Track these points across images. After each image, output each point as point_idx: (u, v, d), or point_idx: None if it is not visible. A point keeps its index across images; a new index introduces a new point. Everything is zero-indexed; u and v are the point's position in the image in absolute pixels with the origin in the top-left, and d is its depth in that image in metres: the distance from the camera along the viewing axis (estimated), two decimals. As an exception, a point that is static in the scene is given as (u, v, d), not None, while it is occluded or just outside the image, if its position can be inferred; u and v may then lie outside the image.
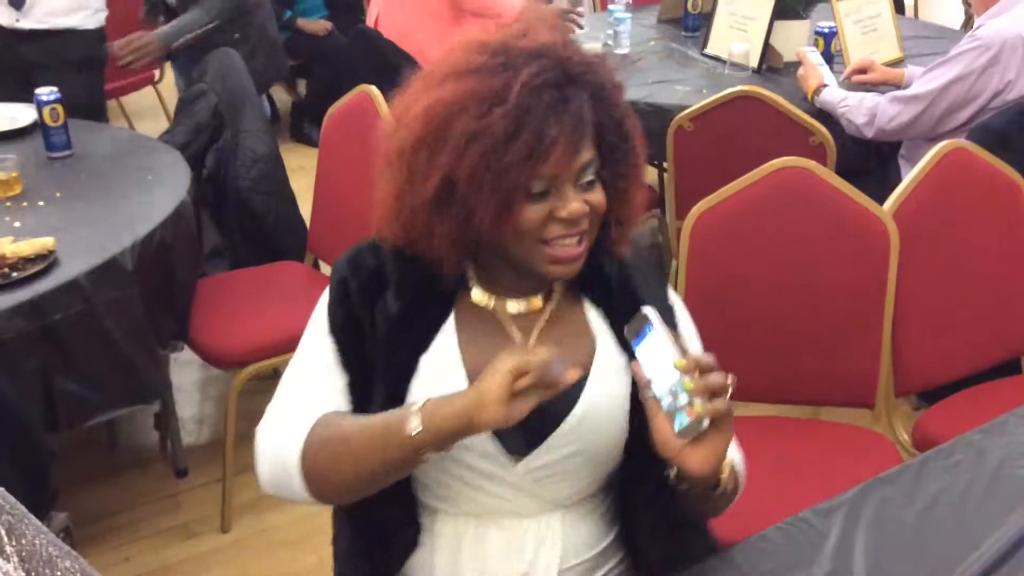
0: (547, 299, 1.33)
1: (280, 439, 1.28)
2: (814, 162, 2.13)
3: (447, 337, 1.30)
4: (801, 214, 2.10)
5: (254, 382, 2.60)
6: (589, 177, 1.22)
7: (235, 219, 2.96)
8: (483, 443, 1.26)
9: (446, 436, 1.16)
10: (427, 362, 1.28)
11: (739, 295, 2.11)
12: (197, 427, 3.02)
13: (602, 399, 1.28)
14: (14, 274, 2.11)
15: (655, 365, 1.15)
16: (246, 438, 2.72)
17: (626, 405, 1.29)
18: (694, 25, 3.70)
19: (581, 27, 3.58)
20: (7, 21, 3.35)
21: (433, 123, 1.19)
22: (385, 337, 1.28)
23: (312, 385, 1.30)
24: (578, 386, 1.25)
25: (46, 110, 2.74)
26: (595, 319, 1.33)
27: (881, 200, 2.12)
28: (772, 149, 2.26)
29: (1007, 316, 2.24)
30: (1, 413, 2.00)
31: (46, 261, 2.16)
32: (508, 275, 1.30)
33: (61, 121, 2.76)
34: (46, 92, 2.74)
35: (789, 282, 2.11)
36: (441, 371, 1.28)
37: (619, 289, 1.33)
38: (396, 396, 1.27)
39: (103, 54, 3.50)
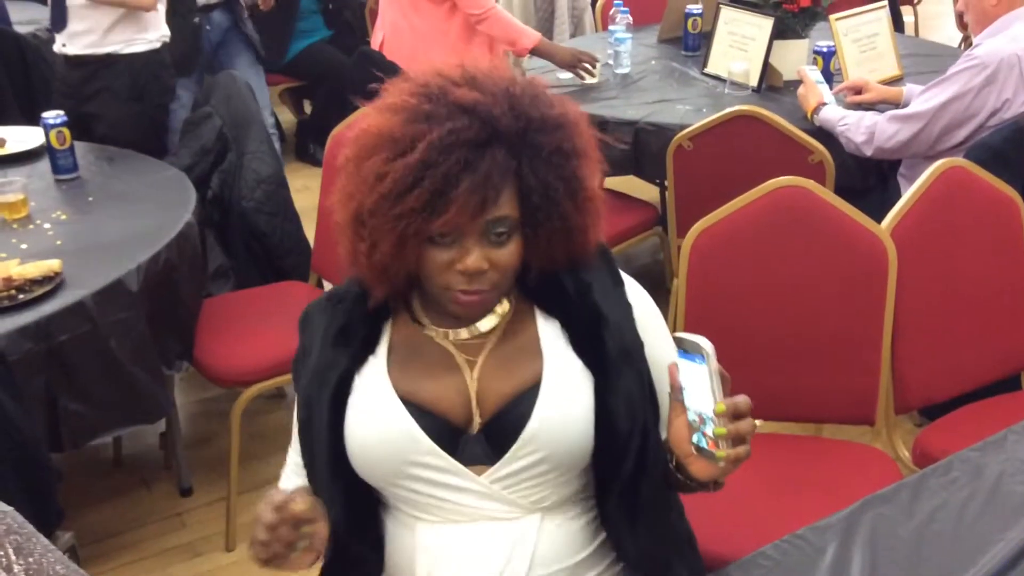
0: (499, 322, 1.33)
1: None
2: (813, 182, 2.15)
3: (379, 361, 1.32)
4: (800, 233, 2.11)
5: (259, 401, 2.62)
6: (500, 231, 1.22)
7: (240, 239, 2.98)
8: (439, 460, 1.28)
9: None
10: (360, 383, 1.32)
11: (739, 312, 2.13)
12: (202, 446, 3.04)
13: (556, 411, 1.29)
14: (20, 296, 2.14)
15: (694, 385, 1.19)
16: (251, 457, 2.77)
17: (589, 416, 1.29)
18: (694, 45, 3.72)
19: (592, 75, 3.45)
20: (57, 47, 3.37)
21: (358, 148, 1.24)
22: (321, 358, 1.33)
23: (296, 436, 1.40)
24: (530, 400, 1.28)
25: (52, 133, 2.78)
26: (547, 333, 1.33)
27: (881, 219, 2.14)
28: (771, 168, 2.28)
29: (1006, 333, 2.25)
30: (7, 433, 2.02)
31: (52, 283, 2.18)
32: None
33: (68, 144, 2.80)
34: (52, 115, 2.78)
35: (788, 300, 2.12)
36: (373, 392, 1.31)
37: (577, 299, 1.33)
38: (334, 421, 1.31)
39: (159, 82, 3.45)
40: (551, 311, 1.34)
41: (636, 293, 1.39)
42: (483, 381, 1.31)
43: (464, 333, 1.31)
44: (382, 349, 1.34)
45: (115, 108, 3.32)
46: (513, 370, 1.31)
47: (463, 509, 1.30)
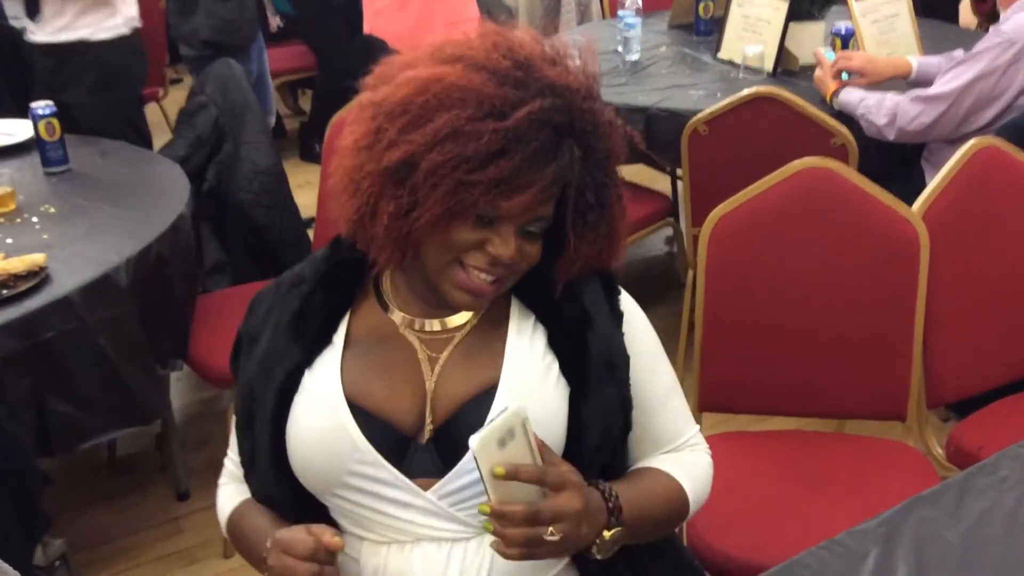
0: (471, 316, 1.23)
1: (220, 506, 1.36)
2: (838, 162, 2.03)
3: (333, 356, 1.21)
4: (825, 217, 2.00)
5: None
6: (534, 229, 1.14)
7: (237, 233, 2.88)
8: (381, 471, 1.16)
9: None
10: (309, 380, 1.20)
11: (761, 304, 2.01)
12: (199, 449, 2.93)
13: None
14: (3, 291, 2.04)
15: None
16: (249, 459, 2.66)
17: (556, 427, 1.17)
18: (706, 29, 3.61)
19: None
20: (27, 35, 3.27)
21: (424, 96, 1.08)
22: (271, 347, 1.22)
23: (234, 435, 1.31)
24: (485, 405, 1.16)
25: (41, 124, 2.68)
26: (519, 328, 1.21)
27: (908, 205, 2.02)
28: (791, 152, 2.16)
29: (1044, 322, 2.14)
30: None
31: (37, 278, 2.08)
32: (429, 291, 1.19)
33: (57, 136, 2.70)
34: (41, 106, 2.68)
35: (813, 289, 2.01)
36: (319, 390, 1.19)
37: (564, 297, 1.22)
38: (278, 417, 1.20)
39: (128, 71, 3.36)
40: (530, 303, 1.23)
41: (631, 305, 1.28)
42: (441, 382, 1.19)
43: (436, 325, 1.21)
44: (339, 340, 1.22)
45: (84, 98, 3.22)
46: (473, 370, 1.19)
47: (406, 527, 1.17)
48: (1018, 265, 2.10)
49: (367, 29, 3.82)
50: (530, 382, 1.18)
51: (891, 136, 2.71)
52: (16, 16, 4.18)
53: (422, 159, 1.07)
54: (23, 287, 2.05)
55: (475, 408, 1.16)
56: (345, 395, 1.18)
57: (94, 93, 3.26)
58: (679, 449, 1.31)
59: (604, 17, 4.39)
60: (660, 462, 1.29)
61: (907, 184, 2.65)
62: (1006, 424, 1.98)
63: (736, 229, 2.01)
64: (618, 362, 1.22)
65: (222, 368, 2.44)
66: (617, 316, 1.24)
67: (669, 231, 3.77)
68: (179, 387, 3.07)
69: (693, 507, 1.29)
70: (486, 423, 1.07)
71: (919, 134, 2.70)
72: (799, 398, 2.05)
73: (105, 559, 2.52)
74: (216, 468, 2.85)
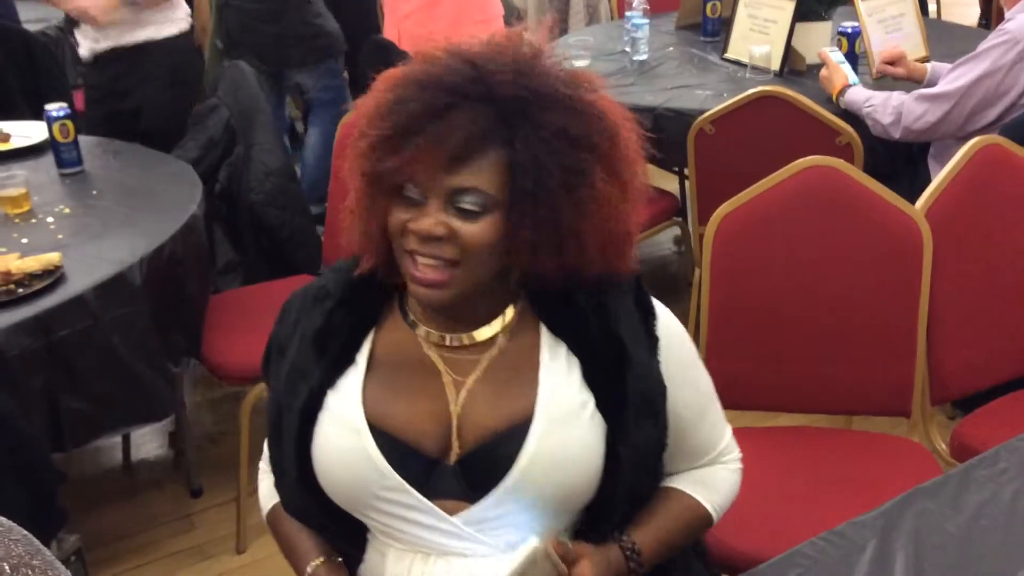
0: (499, 332, 1.19)
1: (263, 498, 1.38)
2: (842, 161, 2.05)
3: (356, 377, 1.20)
4: (829, 215, 2.01)
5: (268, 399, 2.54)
6: (469, 204, 1.09)
7: (249, 234, 2.91)
8: (408, 496, 1.16)
9: None
10: (332, 402, 1.20)
11: (765, 300, 2.03)
12: (212, 446, 2.96)
13: (547, 456, 1.14)
14: (19, 290, 2.07)
15: None
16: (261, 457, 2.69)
17: (592, 464, 1.15)
18: (713, 30, 3.63)
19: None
20: (84, 50, 3.29)
21: (368, 96, 1.16)
22: (296, 361, 1.21)
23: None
24: (518, 440, 1.14)
25: (56, 126, 2.71)
26: (551, 358, 1.18)
27: (912, 203, 2.03)
28: (797, 150, 2.17)
29: (1047, 318, 2.15)
30: (6, 432, 1.94)
31: (52, 277, 2.11)
32: (462, 306, 1.17)
33: (72, 137, 2.73)
34: (55, 108, 2.71)
35: (818, 286, 2.02)
36: (342, 415, 1.19)
37: (597, 328, 1.17)
38: (303, 437, 1.20)
39: (193, 66, 3.41)
40: (561, 333, 1.19)
41: (668, 326, 1.23)
42: (468, 407, 1.17)
43: (463, 339, 1.18)
44: (362, 359, 1.21)
45: (158, 97, 3.27)
46: (503, 400, 1.17)
47: (433, 545, 1.18)
48: (1021, 262, 2.11)
49: (392, 34, 3.84)
50: (565, 420, 1.15)
51: (896, 135, 2.72)
52: (43, 19, 4.23)
53: (350, 170, 1.14)
54: (38, 286, 2.08)
55: (507, 441, 1.14)
56: (367, 419, 1.17)
57: (168, 91, 3.30)
58: (712, 463, 1.31)
59: (613, 18, 4.41)
60: (688, 482, 1.30)
61: (913, 182, 2.67)
62: (1010, 420, 1.98)
63: (741, 227, 2.03)
64: (655, 395, 1.20)
65: (235, 366, 2.48)
66: (653, 342, 1.20)
67: (677, 231, 3.79)
68: (192, 386, 3.11)
69: (718, 518, 1.32)
70: (508, 566, 1.08)
71: (924, 132, 2.71)
72: (805, 395, 2.06)
73: (119, 555, 2.55)
74: (229, 466, 2.90)
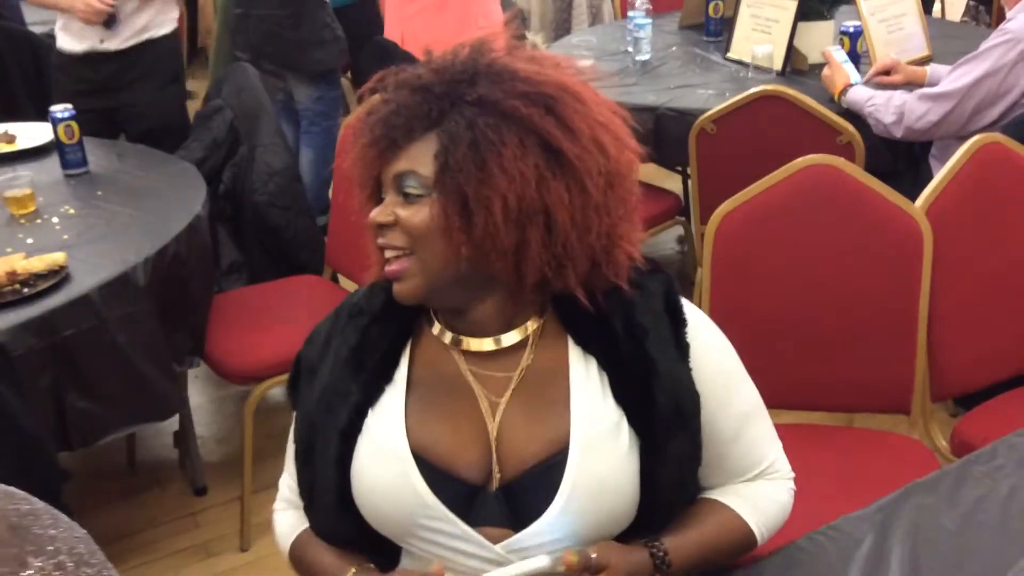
0: (523, 343, 1.18)
1: (280, 538, 1.34)
2: (842, 159, 2.06)
3: (396, 397, 1.20)
4: (829, 213, 2.02)
5: (273, 401, 2.56)
6: (409, 189, 1.11)
7: (253, 234, 2.93)
8: (452, 526, 1.15)
9: None
10: (373, 423, 1.19)
11: (766, 298, 2.04)
12: (217, 445, 2.98)
13: (587, 484, 1.13)
14: (25, 290, 2.08)
15: None
16: (266, 456, 2.71)
17: (630, 487, 1.14)
18: (716, 30, 3.64)
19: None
20: (90, 44, 3.29)
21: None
22: (332, 382, 1.21)
23: (291, 461, 1.30)
24: (558, 471, 1.13)
25: (61, 127, 2.73)
26: (581, 377, 1.16)
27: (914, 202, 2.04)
28: (798, 149, 2.18)
29: (1047, 316, 2.15)
30: (11, 431, 1.96)
31: (57, 277, 2.13)
32: (475, 308, 1.17)
33: (76, 139, 2.75)
34: (60, 109, 2.73)
35: (818, 284, 2.03)
36: (385, 440, 1.17)
37: (626, 342, 1.16)
38: (343, 457, 1.19)
39: (183, 60, 3.45)
40: (588, 345, 1.17)
41: (701, 333, 1.21)
42: (504, 431, 1.16)
43: (488, 344, 1.17)
44: (400, 378, 1.20)
45: (157, 93, 3.29)
46: (536, 423, 1.16)
47: (475, 570, 1.16)
48: (1022, 260, 2.12)
49: (395, 35, 3.84)
50: (601, 441, 1.14)
51: (898, 134, 2.73)
52: (47, 21, 4.23)
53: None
54: (43, 286, 2.09)
55: (547, 473, 1.13)
56: (411, 446, 1.16)
57: (166, 88, 3.33)
58: (756, 479, 1.27)
59: (616, 19, 4.42)
60: (729, 494, 1.26)
61: (915, 182, 2.67)
62: (1010, 417, 1.98)
63: (741, 225, 2.04)
64: (687, 406, 1.17)
65: (239, 365, 2.50)
66: (683, 351, 1.18)
67: (680, 231, 3.80)
68: (196, 386, 3.12)
69: (761, 540, 1.26)
70: None
71: (926, 132, 2.71)
72: (805, 392, 2.07)
73: (123, 553, 2.56)
74: (232, 466, 2.91)
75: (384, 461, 1.16)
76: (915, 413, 2.05)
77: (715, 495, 1.26)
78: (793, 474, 1.30)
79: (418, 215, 1.11)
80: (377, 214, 1.13)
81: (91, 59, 3.28)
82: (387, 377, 1.20)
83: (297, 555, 1.30)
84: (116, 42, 3.26)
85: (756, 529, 1.24)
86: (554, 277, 1.12)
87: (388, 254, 1.14)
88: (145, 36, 3.28)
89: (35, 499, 0.73)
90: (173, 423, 2.85)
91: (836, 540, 1.29)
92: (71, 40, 3.29)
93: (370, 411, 1.19)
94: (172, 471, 2.89)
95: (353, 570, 1.20)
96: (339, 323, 1.24)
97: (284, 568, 2.56)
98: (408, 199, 1.12)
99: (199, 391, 3.15)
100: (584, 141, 1.10)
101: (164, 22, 3.32)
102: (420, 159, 1.11)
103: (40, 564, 0.65)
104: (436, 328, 1.20)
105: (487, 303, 1.16)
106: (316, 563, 1.26)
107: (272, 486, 1.37)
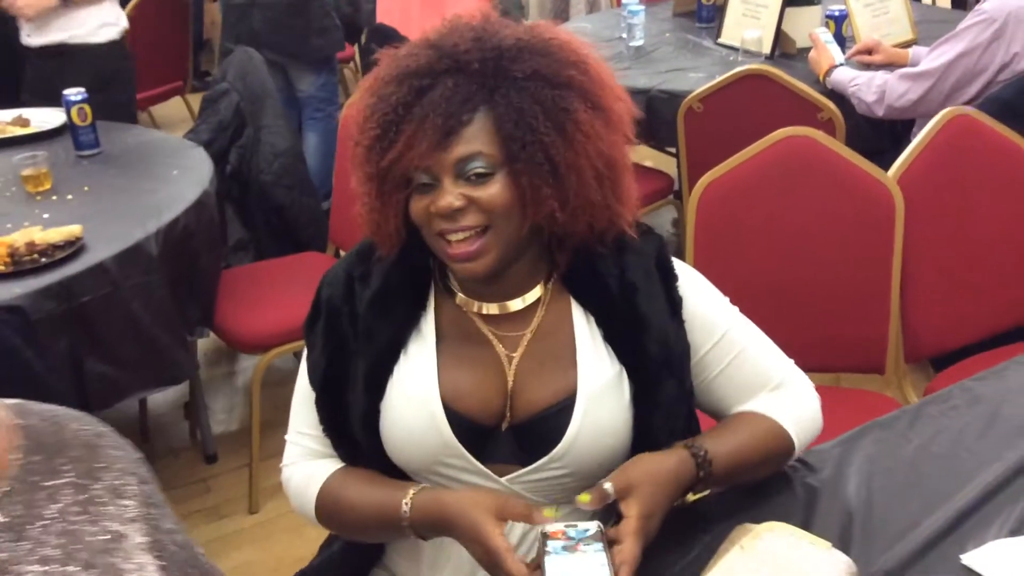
0: (534, 305, 1.27)
1: (299, 494, 1.36)
2: (819, 132, 2.16)
3: (427, 346, 1.27)
4: (807, 182, 2.13)
5: (279, 372, 2.65)
6: (476, 170, 1.16)
7: (258, 212, 3.04)
8: (467, 463, 1.25)
9: (431, 534, 1.23)
10: (406, 369, 1.26)
11: (747, 264, 2.15)
12: (226, 416, 3.09)
13: (590, 429, 1.23)
14: (43, 259, 2.19)
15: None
16: (272, 425, 2.82)
17: (626, 430, 1.25)
18: (708, 16, 3.73)
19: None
20: (22, 37, 3.39)
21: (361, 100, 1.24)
22: (360, 326, 1.27)
23: (307, 411, 1.34)
24: (564, 416, 1.23)
25: (74, 110, 2.84)
26: (583, 333, 1.27)
27: (895, 179, 2.14)
28: (780, 125, 2.27)
29: (1016, 281, 2.25)
30: (34, 389, 2.06)
31: (74, 247, 2.24)
32: (510, 271, 1.25)
33: (89, 121, 2.86)
34: (74, 92, 2.83)
35: (796, 250, 2.14)
36: (417, 388, 1.25)
37: (620, 299, 1.26)
38: (373, 399, 1.26)
39: (121, 71, 3.50)
40: (588, 304, 1.27)
41: (688, 284, 1.30)
42: (519, 381, 1.27)
43: (495, 308, 1.27)
44: (429, 331, 1.28)
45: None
46: (548, 376, 1.26)
47: None
48: (989, 225, 2.22)
49: (391, 18, 3.95)
50: (603, 394, 1.24)
51: (880, 112, 2.83)
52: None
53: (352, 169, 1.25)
54: (61, 255, 2.20)
55: (554, 418, 1.23)
56: (441, 397, 1.24)
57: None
58: (777, 390, 1.35)
59: (612, 6, 4.52)
60: (758, 404, 1.33)
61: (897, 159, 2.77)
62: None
63: (723, 194, 2.14)
64: (676, 355, 1.27)
65: (246, 335, 2.61)
66: (675, 305, 1.27)
67: (675, 214, 3.90)
68: (206, 359, 3.24)
69: (799, 444, 1.33)
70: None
71: (907, 110, 2.81)
72: (785, 353, 2.17)
73: (137, 517, 2.68)
74: (241, 435, 3.01)
75: (416, 409, 1.25)
76: (889, 373, 2.15)
77: (747, 407, 1.33)
78: (812, 384, 1.39)
79: (498, 192, 1.16)
80: (450, 201, 1.15)
81: (35, 56, 3.40)
82: (415, 321, 1.28)
83: (331, 499, 1.31)
84: (40, 37, 3.35)
85: (791, 429, 1.31)
86: (607, 228, 1.24)
87: (457, 236, 1.17)
88: (67, 35, 3.34)
89: (102, 424, 0.85)
90: (184, 395, 2.96)
91: (797, 470, 1.39)
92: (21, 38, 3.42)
93: (402, 355, 1.27)
94: (183, 441, 3.00)
95: (413, 491, 1.23)
96: (358, 266, 1.30)
97: (292, 528, 2.68)
98: (476, 180, 1.16)
99: (207, 366, 3.26)
100: (617, 95, 1.23)
101: (93, 29, 3.38)
102: (480, 140, 1.15)
103: (110, 480, 0.77)
104: (459, 298, 1.28)
105: (520, 264, 1.25)
106: (362, 498, 1.28)
107: (279, 453, 1.40)
